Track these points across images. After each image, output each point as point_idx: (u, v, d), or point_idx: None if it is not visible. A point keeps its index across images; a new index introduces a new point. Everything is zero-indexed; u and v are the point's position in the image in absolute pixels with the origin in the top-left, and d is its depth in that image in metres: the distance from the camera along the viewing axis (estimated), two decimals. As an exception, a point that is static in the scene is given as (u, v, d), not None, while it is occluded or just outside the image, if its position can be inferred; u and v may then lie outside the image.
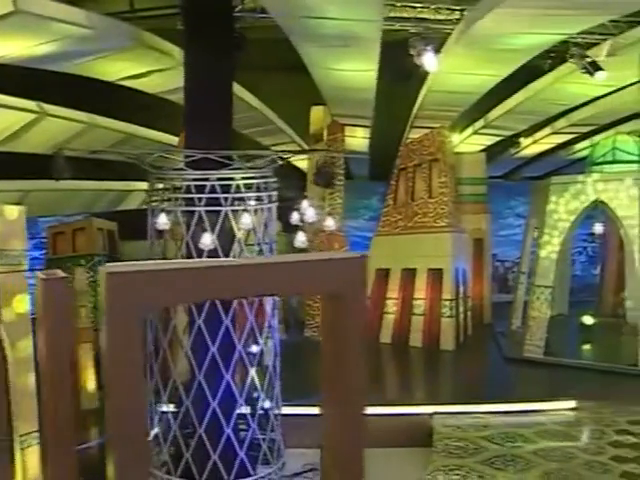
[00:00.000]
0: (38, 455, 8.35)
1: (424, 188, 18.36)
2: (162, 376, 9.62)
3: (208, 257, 8.89)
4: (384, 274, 18.37)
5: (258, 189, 9.51)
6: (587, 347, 17.45)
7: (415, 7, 14.05)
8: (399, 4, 13.88)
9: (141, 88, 15.08)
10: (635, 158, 17.79)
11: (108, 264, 3.16)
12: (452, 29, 13.59)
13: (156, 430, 9.73)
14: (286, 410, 10.13)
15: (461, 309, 17.98)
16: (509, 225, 24.04)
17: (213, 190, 9.13)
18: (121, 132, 17.20)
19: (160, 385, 9.56)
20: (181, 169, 9.43)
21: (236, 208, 9.28)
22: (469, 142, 21.10)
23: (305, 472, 10.03)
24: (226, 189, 9.20)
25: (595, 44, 14.28)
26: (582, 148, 22.03)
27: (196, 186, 9.17)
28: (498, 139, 21.38)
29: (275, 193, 9.81)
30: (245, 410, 9.64)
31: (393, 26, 13.86)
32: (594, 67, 13.84)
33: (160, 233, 9.58)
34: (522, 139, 21.87)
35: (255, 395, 9.72)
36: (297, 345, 15.88)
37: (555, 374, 14.79)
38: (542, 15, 10.56)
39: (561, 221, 16.03)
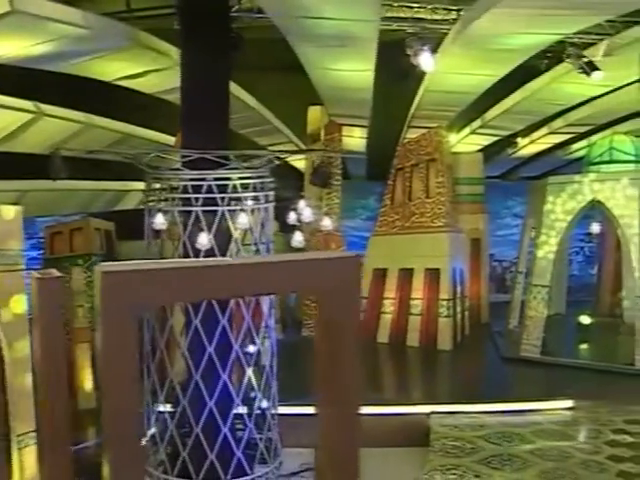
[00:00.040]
0: (35, 455, 8.36)
1: (421, 188, 18.38)
2: (159, 376, 9.62)
3: (205, 257, 8.90)
4: (381, 274, 18.39)
5: (255, 189, 9.52)
6: (584, 347, 17.46)
7: (412, 7, 14.05)
8: (396, 4, 13.88)
9: (138, 88, 15.06)
10: (632, 158, 17.80)
11: (104, 264, 3.16)
12: (449, 29, 13.58)
13: (153, 430, 9.74)
14: (283, 410, 10.14)
15: (458, 309, 17.98)
16: (506, 225, 24.03)
17: (210, 190, 9.15)
18: (118, 132, 17.18)
19: (157, 385, 9.57)
20: (178, 169, 9.44)
21: (233, 208, 9.29)
22: (466, 142, 21.08)
23: (302, 472, 10.02)
24: (223, 189, 9.21)
25: (592, 44, 14.27)
26: (579, 148, 22.02)
27: (193, 186, 9.18)
28: (495, 139, 21.35)
29: (272, 193, 9.82)
30: (242, 410, 9.65)
31: (390, 26, 13.86)
32: (591, 67, 13.84)
33: (157, 233, 9.59)
34: (519, 139, 21.85)
35: (252, 395, 9.73)
36: (294, 345, 15.87)
37: (552, 374, 14.81)
38: (539, 15, 10.56)
39: (558, 221, 16.05)
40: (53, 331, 4.20)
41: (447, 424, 11.95)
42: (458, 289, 18.05)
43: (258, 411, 9.76)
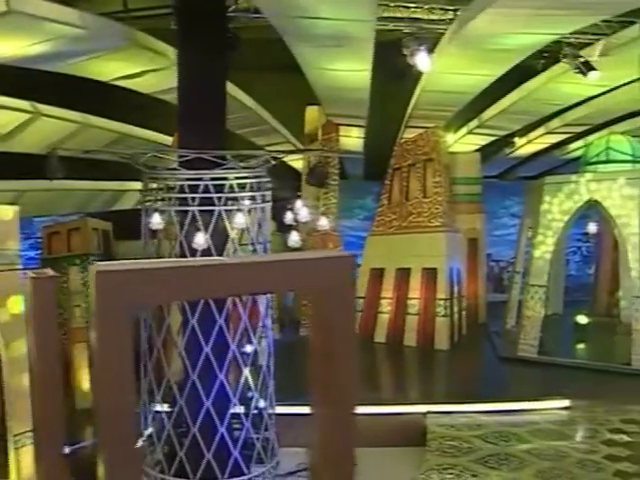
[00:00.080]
0: (32, 455, 8.36)
1: (418, 188, 18.38)
2: (156, 375, 9.62)
3: (202, 256, 8.90)
4: (378, 274, 18.40)
5: (252, 189, 9.52)
6: (581, 346, 17.47)
7: (408, 7, 14.06)
8: (392, 4, 13.89)
9: (135, 88, 15.07)
10: (629, 158, 17.83)
11: (99, 263, 3.16)
12: (445, 29, 13.61)
13: (150, 429, 9.74)
14: (280, 409, 10.15)
15: (455, 309, 17.99)
16: (504, 225, 24.04)
17: (206, 190, 9.15)
18: (115, 132, 17.19)
19: (154, 384, 9.57)
20: (175, 169, 9.44)
21: (229, 208, 9.30)
22: (463, 142, 21.12)
23: (299, 471, 10.03)
24: (219, 189, 9.21)
25: (588, 44, 14.31)
26: (576, 148, 22.05)
27: (189, 186, 9.19)
28: (492, 139, 21.40)
29: (269, 193, 9.82)
30: (239, 409, 9.66)
31: (387, 26, 13.87)
32: (587, 67, 13.86)
33: (154, 233, 9.59)
34: (516, 139, 21.90)
35: (249, 394, 9.74)
36: (292, 344, 15.86)
37: (549, 373, 14.82)
38: (535, 15, 10.59)
39: (555, 221, 16.06)
40: (48, 331, 4.20)
41: (444, 424, 11.96)
42: (455, 289, 18.06)
43: (255, 411, 9.76)
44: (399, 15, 14.03)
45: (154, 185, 9.74)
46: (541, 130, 20.72)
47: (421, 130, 18.59)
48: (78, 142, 15.91)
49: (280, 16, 11.62)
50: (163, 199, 9.61)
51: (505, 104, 17.77)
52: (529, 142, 21.80)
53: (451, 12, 14.06)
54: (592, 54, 14.06)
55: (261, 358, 9.84)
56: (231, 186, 9.28)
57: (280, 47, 13.10)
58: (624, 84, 15.88)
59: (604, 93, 16.67)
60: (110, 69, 13.69)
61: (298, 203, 10.90)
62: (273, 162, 9.81)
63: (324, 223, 13.42)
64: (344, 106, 17.53)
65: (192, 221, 9.16)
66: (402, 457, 11.20)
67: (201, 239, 9.03)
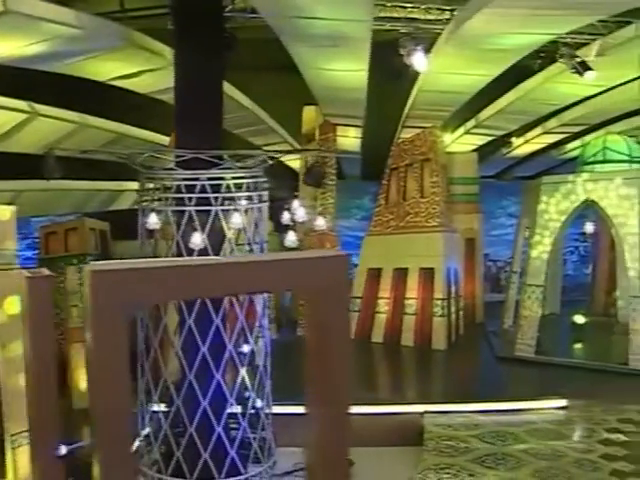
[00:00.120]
0: (29, 454, 8.37)
1: (416, 188, 18.39)
2: (153, 375, 9.62)
3: (198, 257, 8.90)
4: (376, 274, 18.41)
5: (248, 189, 9.52)
6: (578, 346, 17.49)
7: (405, 7, 14.07)
8: (389, 4, 13.90)
9: (132, 88, 15.07)
10: (625, 158, 17.85)
11: (95, 263, 3.16)
12: (442, 29, 13.62)
13: (147, 429, 9.74)
14: (277, 409, 10.15)
15: (453, 308, 18.00)
16: (501, 225, 24.08)
17: (203, 190, 9.14)
18: (112, 132, 17.19)
19: (151, 384, 9.57)
20: (171, 169, 9.44)
21: (226, 208, 9.29)
22: (461, 142, 21.14)
23: (296, 471, 10.02)
24: (216, 189, 9.21)
25: (584, 44, 14.33)
26: (573, 148, 22.08)
27: (186, 186, 9.18)
28: (490, 139, 21.41)
29: (266, 193, 9.82)
30: (236, 409, 9.66)
31: (383, 26, 13.88)
32: (583, 67, 13.87)
33: (151, 233, 9.59)
34: (514, 139, 21.92)
35: (246, 394, 9.74)
36: (289, 344, 15.87)
37: (546, 373, 14.83)
38: (531, 15, 10.60)
39: (552, 221, 16.08)
40: (43, 330, 4.20)
41: (441, 423, 11.96)
42: (452, 289, 18.07)
43: (252, 411, 9.76)
44: (396, 15, 14.04)
45: (151, 185, 9.74)
46: (538, 130, 20.75)
47: (418, 130, 18.60)
48: (75, 142, 15.90)
49: (277, 16, 11.62)
50: (160, 199, 9.61)
51: (502, 104, 17.79)
52: (526, 142, 21.82)
53: (448, 12, 14.07)
54: (588, 54, 14.07)
55: (258, 358, 9.84)
56: (228, 186, 9.28)
57: (277, 47, 13.11)
58: (621, 84, 15.91)
59: (601, 93, 16.69)
60: (107, 69, 13.69)
61: (295, 203, 10.89)
62: (270, 162, 9.81)
63: (321, 223, 13.40)
64: (341, 106, 17.54)
65: (189, 221, 9.16)
66: (399, 457, 11.20)
67: (198, 239, 9.03)
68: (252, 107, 17.50)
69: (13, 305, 8.47)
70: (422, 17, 14.19)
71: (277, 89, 18.24)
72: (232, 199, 9.35)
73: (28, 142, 15.49)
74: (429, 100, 16.59)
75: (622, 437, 11.20)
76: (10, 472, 8.56)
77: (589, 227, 19.06)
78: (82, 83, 14.16)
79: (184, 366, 9.28)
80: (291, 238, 10.25)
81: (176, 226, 9.30)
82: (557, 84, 15.79)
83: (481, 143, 21.51)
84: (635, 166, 17.52)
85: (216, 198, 9.18)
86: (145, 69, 13.75)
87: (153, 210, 9.35)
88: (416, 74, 14.82)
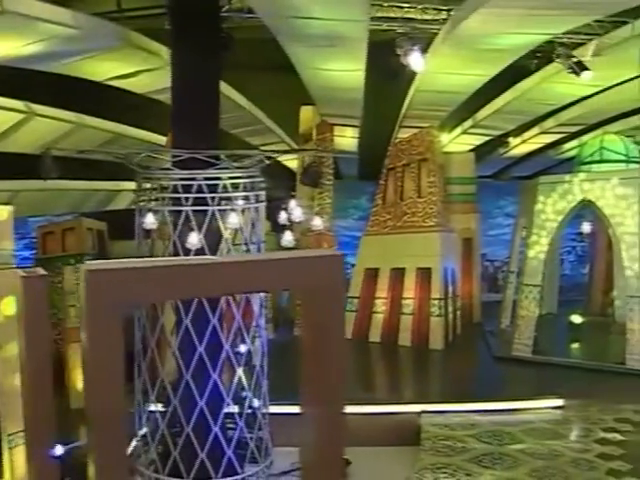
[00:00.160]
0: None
1: (413, 188, 18.41)
2: (150, 375, 9.63)
3: (195, 256, 8.90)
4: (373, 273, 18.42)
5: (245, 189, 9.53)
6: (575, 346, 17.51)
7: (402, 7, 14.08)
8: (386, 4, 13.90)
9: (129, 88, 15.05)
10: (622, 158, 17.87)
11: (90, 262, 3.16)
12: (439, 29, 13.62)
13: (144, 429, 9.75)
14: (274, 409, 10.16)
15: (450, 308, 18.01)
16: (498, 225, 24.06)
17: (200, 190, 9.15)
18: (109, 132, 17.17)
19: (148, 384, 9.58)
20: (168, 169, 9.44)
21: (223, 208, 9.30)
22: (458, 142, 21.10)
23: (293, 470, 10.03)
24: (213, 189, 9.22)
25: (581, 44, 14.33)
26: (570, 148, 22.08)
27: (183, 186, 9.19)
28: (487, 139, 21.37)
29: (263, 193, 9.83)
30: (233, 409, 9.67)
31: (380, 26, 13.89)
32: (580, 67, 13.88)
33: (148, 233, 9.59)
34: (511, 139, 21.89)
35: (243, 394, 9.75)
36: (286, 344, 15.87)
37: (543, 373, 14.86)
38: (527, 15, 10.59)
39: (549, 221, 16.11)
40: (39, 330, 4.20)
41: (438, 423, 11.99)
42: (450, 288, 18.09)
43: (249, 410, 9.77)
44: (392, 15, 14.05)
45: (148, 185, 9.75)
46: (535, 130, 20.73)
47: (415, 130, 18.62)
48: (72, 142, 15.89)
49: (273, 16, 11.61)
50: (157, 199, 9.62)
51: (499, 104, 17.78)
52: (523, 142, 21.80)
53: (444, 12, 14.08)
54: (585, 54, 14.08)
55: (255, 358, 9.85)
56: (224, 186, 9.29)
57: (274, 47, 13.09)
58: (617, 84, 15.91)
59: (597, 93, 16.69)
60: (104, 69, 13.67)
61: (292, 203, 10.90)
62: (267, 162, 9.82)
63: (318, 223, 13.42)
64: (338, 106, 17.53)
65: (185, 221, 9.17)
66: (396, 456, 11.22)
67: (194, 239, 9.04)
68: (249, 107, 17.49)
69: (10, 306, 8.46)
70: (419, 17, 14.20)
71: (274, 89, 18.22)
72: (229, 199, 9.36)
73: (25, 142, 15.48)
74: (426, 100, 16.58)
75: (619, 436, 11.24)
76: (7, 472, 8.57)
77: (586, 227, 19.06)
78: (79, 83, 14.14)
79: (181, 366, 9.29)
80: (288, 238, 10.26)
81: (173, 226, 9.31)
82: (554, 84, 15.79)
83: (478, 143, 21.48)
84: (632, 166, 17.55)
85: (213, 198, 9.19)
86: (142, 69, 13.74)
87: (150, 210, 9.36)
88: (413, 74, 14.81)
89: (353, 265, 18.96)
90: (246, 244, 9.67)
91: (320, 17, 10.96)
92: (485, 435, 11.48)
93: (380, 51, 13.44)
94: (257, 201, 9.73)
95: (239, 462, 9.48)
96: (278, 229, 12.27)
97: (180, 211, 9.19)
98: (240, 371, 9.61)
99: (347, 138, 20.24)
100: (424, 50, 13.22)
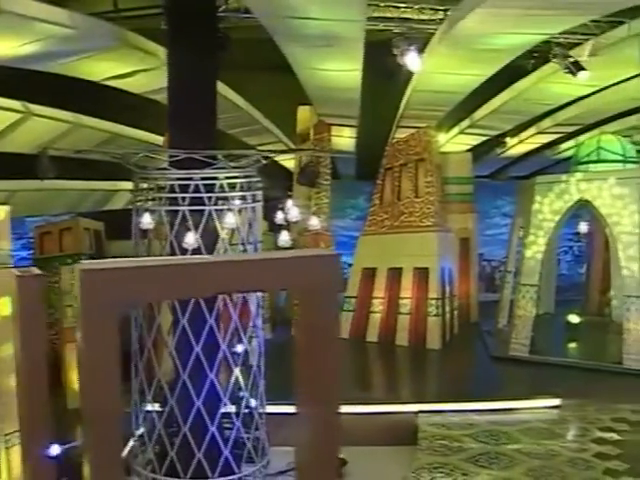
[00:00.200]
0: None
1: (410, 187, 18.40)
2: (147, 375, 9.63)
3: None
4: (370, 273, 18.41)
5: (242, 188, 9.53)
6: (572, 345, 17.52)
7: (398, 7, 14.08)
8: (382, 4, 13.91)
9: (126, 88, 15.07)
10: (619, 157, 17.88)
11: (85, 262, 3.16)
12: (435, 29, 13.64)
13: (141, 429, 9.75)
14: (271, 408, 10.16)
15: (447, 308, 18.02)
16: (495, 224, 24.08)
17: (197, 189, 9.15)
18: (106, 132, 17.19)
19: (145, 384, 9.57)
20: (165, 169, 9.44)
21: (220, 207, 9.30)
22: (455, 142, 21.16)
23: (289, 470, 10.03)
24: (210, 188, 9.22)
25: (577, 44, 14.36)
26: (567, 148, 22.12)
27: (180, 185, 9.19)
28: (484, 139, 21.45)
29: (260, 192, 9.83)
30: (230, 409, 9.67)
31: (377, 26, 13.90)
32: (577, 67, 13.91)
33: (144, 232, 9.59)
34: (508, 139, 21.95)
35: (240, 394, 9.75)
36: (284, 344, 15.87)
37: (540, 372, 14.84)
38: (524, 15, 10.62)
39: (546, 221, 16.11)
40: (34, 329, 4.20)
41: (435, 423, 11.98)
42: (447, 288, 18.09)
43: (246, 410, 9.77)
44: (389, 15, 14.05)
45: (145, 185, 9.75)
46: (532, 130, 20.79)
47: (413, 130, 18.62)
48: (69, 142, 15.90)
49: (270, 16, 11.63)
50: (154, 199, 9.61)
51: (496, 104, 17.82)
52: (520, 142, 21.86)
53: (441, 12, 14.09)
54: (581, 54, 14.11)
55: (252, 358, 9.85)
56: (221, 186, 9.29)
57: (271, 47, 13.12)
58: (614, 84, 15.95)
59: (594, 93, 16.73)
60: (101, 69, 13.68)
61: (289, 203, 10.90)
62: (264, 162, 9.82)
63: (315, 223, 13.43)
64: (335, 106, 17.56)
65: (182, 221, 9.17)
66: (393, 456, 11.21)
67: (191, 239, 9.04)
68: (246, 107, 17.51)
69: (6, 306, 8.45)
70: (415, 17, 14.21)
71: (271, 89, 18.23)
72: (226, 199, 9.35)
73: (22, 142, 15.48)
74: (423, 100, 16.61)
75: (615, 436, 11.23)
76: (4, 472, 8.56)
77: (583, 227, 19.09)
78: (76, 83, 14.16)
79: (178, 366, 9.29)
80: (284, 238, 10.25)
81: (170, 226, 9.30)
82: (550, 84, 15.83)
83: (475, 143, 21.54)
84: (629, 166, 17.56)
85: (210, 198, 9.19)
86: (139, 69, 13.75)
87: (147, 210, 9.36)
88: (410, 74, 14.84)
89: (350, 265, 18.98)
90: (243, 244, 9.67)
91: (317, 17, 10.98)
92: (482, 435, 11.47)
93: (377, 51, 13.46)
94: (254, 201, 9.73)
95: (236, 462, 9.48)
96: (275, 229, 12.28)
97: (177, 211, 9.19)
98: (237, 371, 9.61)
99: (344, 138, 20.27)
100: (421, 50, 13.24)
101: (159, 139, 17.27)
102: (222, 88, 12.94)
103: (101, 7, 14.04)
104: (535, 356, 15.59)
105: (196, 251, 9.04)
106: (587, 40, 14.15)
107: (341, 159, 21.46)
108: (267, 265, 3.13)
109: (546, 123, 19.91)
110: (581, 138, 20.55)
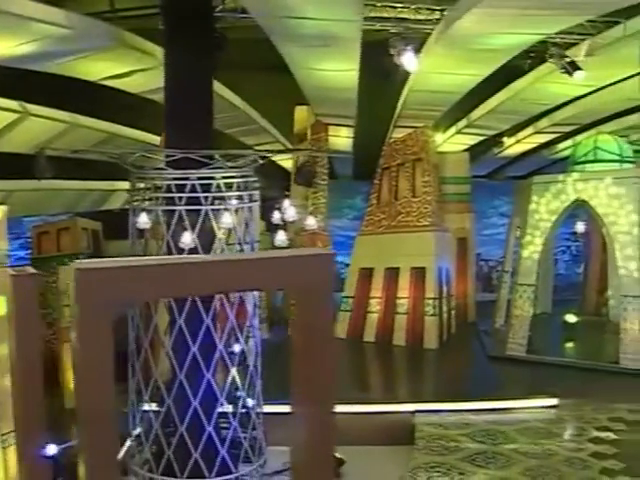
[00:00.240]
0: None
1: (407, 187, 18.41)
2: (144, 375, 9.62)
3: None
4: (368, 273, 18.42)
5: (239, 188, 9.53)
6: (569, 345, 17.52)
7: (395, 7, 14.09)
8: (379, 4, 13.91)
9: (123, 88, 15.06)
10: (616, 157, 17.88)
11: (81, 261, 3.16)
12: (432, 29, 13.65)
13: (138, 429, 9.75)
14: (268, 408, 10.16)
15: (445, 308, 18.02)
16: (493, 224, 24.10)
17: (193, 189, 9.15)
18: (103, 132, 17.18)
19: (142, 384, 9.57)
20: (162, 168, 9.44)
21: (216, 207, 9.30)
22: (452, 141, 21.16)
23: (286, 470, 10.03)
24: (206, 188, 9.22)
25: (574, 44, 14.37)
26: (564, 148, 22.13)
27: (177, 185, 9.19)
28: (481, 138, 21.44)
29: (256, 192, 9.83)
30: (227, 409, 9.67)
31: (373, 26, 13.91)
32: (573, 67, 13.91)
33: (141, 232, 9.59)
34: (505, 139, 21.94)
35: (237, 394, 9.75)
36: (280, 344, 15.88)
37: (537, 372, 14.85)
38: (520, 15, 10.63)
39: (543, 221, 16.13)
40: (29, 329, 4.20)
41: (432, 422, 11.98)
42: (444, 288, 18.09)
43: (242, 410, 9.77)
44: (386, 15, 14.06)
45: (142, 185, 9.75)
46: (529, 130, 20.80)
47: (410, 130, 18.63)
48: (66, 142, 15.89)
49: (267, 16, 11.63)
50: (150, 199, 9.61)
51: (493, 104, 17.83)
52: (518, 142, 21.86)
53: (438, 12, 14.10)
54: (578, 54, 14.12)
55: (249, 357, 9.85)
56: (218, 185, 9.29)
57: (267, 47, 13.11)
58: (610, 84, 15.96)
59: (591, 93, 16.74)
60: (98, 69, 13.67)
61: (286, 202, 10.91)
62: (261, 161, 9.82)
63: (312, 222, 13.42)
64: (332, 106, 17.56)
65: (179, 220, 9.17)
66: (390, 455, 11.21)
67: (188, 238, 9.04)
68: (243, 107, 17.51)
69: (2, 306, 8.44)
70: (412, 17, 14.22)
71: (268, 89, 18.23)
72: (222, 198, 9.36)
73: (19, 142, 15.47)
74: (420, 100, 16.61)
75: (612, 436, 11.24)
76: (1, 471, 8.55)
77: (580, 226, 19.11)
78: (73, 83, 14.14)
79: (175, 366, 9.29)
80: (281, 237, 10.25)
81: (166, 225, 9.30)
82: (547, 84, 15.84)
83: (473, 143, 21.54)
84: (626, 166, 17.57)
85: (206, 197, 9.19)
86: (136, 69, 13.74)
87: (144, 210, 9.36)
88: (407, 74, 14.84)
89: (347, 265, 18.98)
90: (240, 244, 9.67)
91: (313, 17, 10.98)
92: (479, 434, 11.48)
93: (374, 51, 13.47)
94: (251, 201, 9.73)
95: (233, 461, 9.48)
96: (273, 229, 12.28)
97: (174, 211, 9.19)
98: (234, 371, 9.61)
99: (341, 138, 20.28)
100: (417, 50, 13.25)
101: (156, 139, 17.25)
102: (219, 88, 12.94)
103: (98, 7, 14.05)
104: (532, 356, 15.60)
105: (193, 251, 9.04)
106: (583, 40, 14.16)
107: (338, 159, 21.46)
108: (263, 264, 3.14)
109: (543, 123, 19.92)
110: (578, 138, 20.56)
